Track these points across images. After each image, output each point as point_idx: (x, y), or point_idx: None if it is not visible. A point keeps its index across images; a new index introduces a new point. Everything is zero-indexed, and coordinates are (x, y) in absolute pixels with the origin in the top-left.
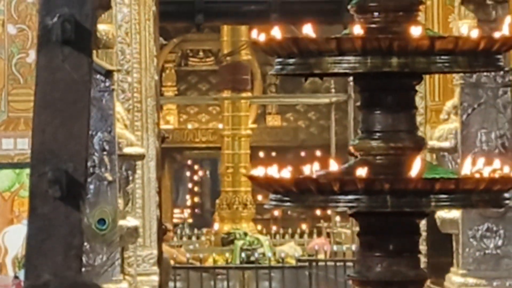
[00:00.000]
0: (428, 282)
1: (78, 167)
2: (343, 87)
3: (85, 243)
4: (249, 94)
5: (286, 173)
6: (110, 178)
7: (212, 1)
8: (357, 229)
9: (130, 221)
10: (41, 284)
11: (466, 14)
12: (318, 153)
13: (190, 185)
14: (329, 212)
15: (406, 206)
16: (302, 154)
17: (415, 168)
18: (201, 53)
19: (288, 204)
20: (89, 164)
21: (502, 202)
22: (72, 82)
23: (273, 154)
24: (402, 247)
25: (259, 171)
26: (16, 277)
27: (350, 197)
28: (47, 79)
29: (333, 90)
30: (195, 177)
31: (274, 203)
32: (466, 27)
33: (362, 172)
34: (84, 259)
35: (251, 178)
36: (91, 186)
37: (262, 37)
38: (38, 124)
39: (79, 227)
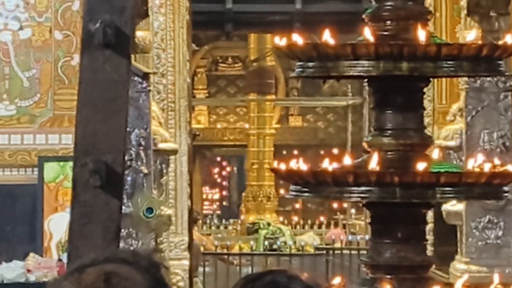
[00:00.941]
0: (434, 269)
1: (117, 158)
2: (359, 91)
3: (122, 229)
4: (273, 97)
5: (305, 166)
6: (145, 171)
7: (241, 12)
8: (369, 219)
9: (163, 210)
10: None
11: (472, 24)
12: (335, 151)
13: (218, 180)
14: (345, 205)
15: (413, 198)
16: (321, 152)
17: (423, 163)
18: (230, 59)
19: (306, 194)
20: (126, 158)
21: (501, 194)
22: (112, 82)
23: (295, 151)
24: (409, 235)
25: (281, 165)
26: (59, 259)
27: (363, 188)
28: (89, 79)
29: (349, 94)
30: (223, 173)
31: (294, 193)
32: (473, 34)
33: (374, 165)
34: (121, 244)
35: (274, 171)
36: (129, 178)
37: (284, 43)
38: (80, 120)
39: (117, 213)
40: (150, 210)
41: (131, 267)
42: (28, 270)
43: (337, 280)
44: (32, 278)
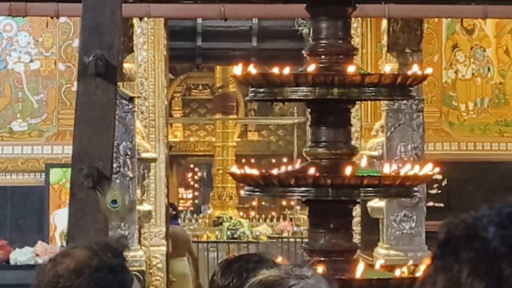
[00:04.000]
0: (360, 253)
1: (106, 165)
2: (303, 112)
3: (111, 222)
4: (235, 116)
5: (256, 171)
6: (131, 175)
7: (208, 48)
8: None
9: (145, 207)
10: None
11: (391, 59)
12: (284, 160)
13: (191, 183)
14: (292, 202)
15: (342, 196)
16: (273, 160)
17: (349, 168)
18: (200, 86)
19: (257, 193)
20: (115, 165)
21: (412, 194)
22: (102, 104)
23: (252, 160)
24: (339, 225)
25: (237, 170)
26: (62, 246)
27: (302, 189)
28: (84, 102)
29: (295, 114)
30: (195, 177)
31: (248, 192)
32: (389, 67)
33: (311, 170)
34: (110, 233)
35: (232, 175)
36: (117, 181)
37: (240, 73)
38: (77, 134)
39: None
40: (114, 201)
41: (88, 251)
42: (37, 255)
43: (279, 259)
44: (40, 261)
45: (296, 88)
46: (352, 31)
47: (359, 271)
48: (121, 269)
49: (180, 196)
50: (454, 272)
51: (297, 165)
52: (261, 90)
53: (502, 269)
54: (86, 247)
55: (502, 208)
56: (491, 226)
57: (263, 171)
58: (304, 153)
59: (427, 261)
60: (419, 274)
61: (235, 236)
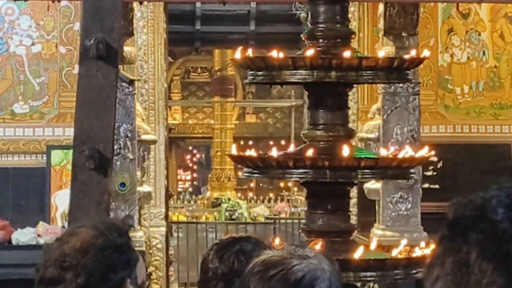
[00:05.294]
0: (357, 234)
1: (107, 147)
2: (301, 95)
3: (112, 202)
4: (233, 99)
5: (255, 153)
6: (131, 156)
7: (207, 32)
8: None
9: (145, 188)
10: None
11: (388, 42)
12: (282, 142)
13: (190, 164)
14: (289, 184)
15: (340, 178)
16: (271, 143)
17: (347, 150)
18: (199, 69)
19: (256, 175)
20: (116, 146)
21: (409, 175)
22: (103, 87)
23: (250, 142)
24: (336, 207)
25: (236, 152)
26: (63, 226)
27: (300, 170)
28: (86, 84)
29: (293, 97)
30: (194, 159)
31: (246, 174)
32: (383, 52)
33: (309, 153)
34: (111, 214)
35: (231, 157)
36: (118, 163)
37: (239, 56)
38: (78, 117)
39: (106, 190)
40: (123, 184)
41: (94, 231)
42: (38, 235)
43: (277, 241)
44: (41, 241)
45: (295, 71)
46: (349, 15)
47: (356, 251)
48: (126, 248)
49: (179, 177)
50: (463, 254)
51: (296, 147)
52: (260, 73)
53: (511, 251)
54: (92, 226)
55: (511, 189)
56: (499, 207)
57: (262, 153)
58: (302, 136)
59: (435, 242)
60: (415, 254)
61: (233, 217)
